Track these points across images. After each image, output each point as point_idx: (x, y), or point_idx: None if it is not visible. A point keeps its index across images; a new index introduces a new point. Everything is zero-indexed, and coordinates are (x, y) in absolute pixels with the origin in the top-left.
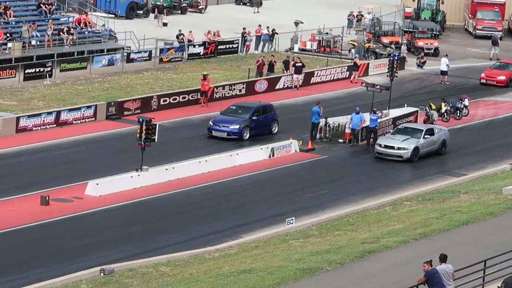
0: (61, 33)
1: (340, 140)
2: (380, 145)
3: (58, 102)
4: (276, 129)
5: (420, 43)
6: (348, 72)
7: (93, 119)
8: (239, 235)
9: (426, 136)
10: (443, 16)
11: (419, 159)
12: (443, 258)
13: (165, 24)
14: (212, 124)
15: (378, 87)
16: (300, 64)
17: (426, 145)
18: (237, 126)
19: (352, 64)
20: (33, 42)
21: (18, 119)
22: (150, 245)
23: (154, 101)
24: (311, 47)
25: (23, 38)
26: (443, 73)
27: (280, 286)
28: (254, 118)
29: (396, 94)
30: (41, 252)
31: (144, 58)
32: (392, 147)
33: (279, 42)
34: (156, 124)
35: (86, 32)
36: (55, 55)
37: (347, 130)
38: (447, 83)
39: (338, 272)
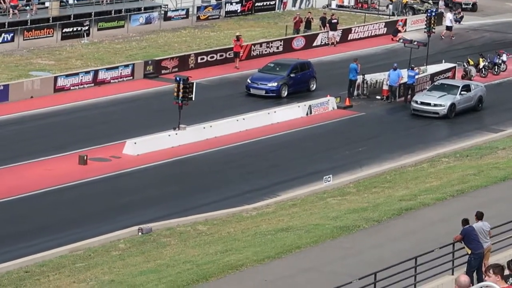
0: None
1: (378, 97)
2: (416, 102)
3: (95, 61)
4: (314, 86)
5: None
6: (385, 28)
7: (131, 78)
8: (277, 193)
9: (462, 92)
10: None
11: (456, 116)
12: (479, 216)
13: None
14: (250, 82)
15: (415, 43)
16: (336, 20)
17: (462, 102)
18: (275, 84)
19: (394, 29)
20: (71, 1)
21: (56, 78)
22: (187, 204)
23: (192, 60)
24: (349, 3)
25: None
26: (448, 28)
27: (317, 244)
28: (292, 75)
29: (434, 50)
30: (79, 212)
31: (182, 16)
32: (429, 104)
33: None
34: (193, 83)
35: None
36: (93, 14)
37: (385, 87)
38: (452, 37)
39: (375, 230)
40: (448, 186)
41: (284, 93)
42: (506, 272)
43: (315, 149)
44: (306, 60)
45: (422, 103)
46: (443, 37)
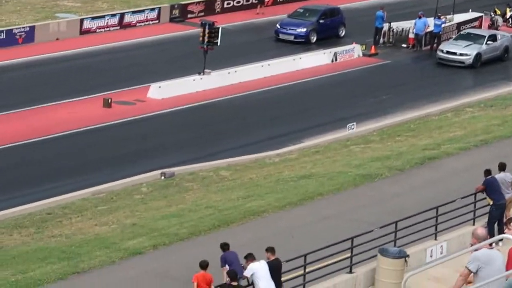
0: None
1: (404, 45)
2: (442, 51)
3: (122, 4)
4: (343, 33)
5: None
6: None
7: (157, 21)
8: (300, 139)
9: (488, 42)
10: None
11: (481, 65)
12: (502, 167)
13: None
14: (279, 27)
15: None
16: None
17: (488, 51)
18: (304, 29)
19: None
20: None
21: (82, 21)
22: (211, 149)
23: (218, 4)
24: None
25: None
26: None
27: (339, 192)
28: (321, 21)
29: None
30: (102, 155)
31: None
32: (454, 53)
33: None
34: (219, 27)
35: None
36: None
37: (411, 35)
38: None
39: (397, 179)
40: (472, 136)
41: (313, 38)
42: None
43: (339, 97)
44: (336, 6)
45: (448, 52)
46: None
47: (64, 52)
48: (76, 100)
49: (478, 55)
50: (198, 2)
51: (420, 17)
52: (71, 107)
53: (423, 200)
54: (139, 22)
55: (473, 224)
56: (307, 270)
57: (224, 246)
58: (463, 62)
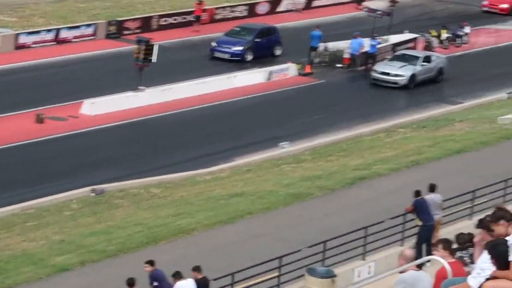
0: None
1: (339, 65)
2: (376, 71)
3: (58, 20)
4: (279, 52)
5: None
6: None
7: (93, 37)
8: (232, 158)
9: (423, 63)
10: None
11: (415, 86)
12: (431, 188)
13: None
14: (215, 45)
15: (379, 12)
16: None
17: (422, 72)
18: (240, 48)
19: None
20: None
21: (17, 35)
22: (142, 166)
23: (155, 21)
24: None
25: None
26: None
27: (269, 210)
28: (257, 40)
29: (397, 20)
30: (33, 171)
31: None
32: (389, 74)
33: None
34: (154, 45)
35: None
36: None
37: (346, 55)
38: (391, 7)
39: (328, 198)
40: (403, 157)
41: (249, 57)
42: (455, 245)
43: (273, 115)
44: (272, 25)
45: (382, 73)
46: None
47: None
48: (8, 115)
49: (413, 76)
50: (135, 19)
51: (355, 37)
52: (3, 122)
53: (353, 220)
54: (75, 38)
55: (402, 245)
56: None
57: (152, 264)
58: (397, 83)
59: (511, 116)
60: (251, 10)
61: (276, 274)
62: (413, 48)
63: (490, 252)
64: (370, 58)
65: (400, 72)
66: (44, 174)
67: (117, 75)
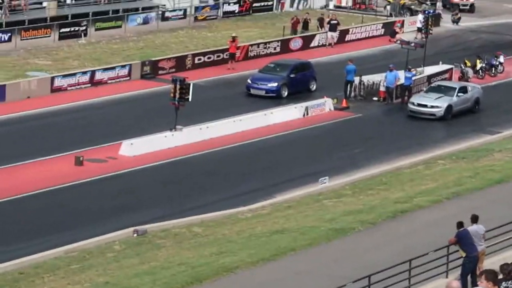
0: None
1: (375, 98)
2: (413, 104)
3: (92, 62)
4: (315, 87)
5: (456, 0)
6: (383, 29)
7: (128, 78)
8: (272, 195)
9: (459, 94)
10: None
11: (452, 117)
12: (474, 219)
13: None
14: (250, 82)
15: (412, 44)
16: (336, 21)
17: (459, 103)
18: (275, 84)
19: (392, 30)
20: (68, 1)
21: (53, 79)
22: (183, 205)
23: (189, 60)
24: (347, 4)
25: None
26: (419, 29)
27: (312, 246)
28: (292, 75)
29: (431, 52)
30: (74, 213)
31: (179, 17)
32: (425, 105)
33: None
34: (190, 83)
35: None
36: (90, 14)
37: (382, 88)
38: (423, 39)
39: (370, 232)
40: (444, 189)
41: (284, 93)
42: (500, 276)
43: (311, 151)
44: (306, 60)
45: (419, 105)
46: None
47: (35, 110)
48: (48, 158)
49: (449, 107)
50: (169, 59)
51: (391, 70)
52: (43, 165)
53: (396, 253)
54: (110, 79)
55: (447, 277)
56: None
57: None
58: (434, 114)
59: None
60: (285, 46)
61: None
62: (449, 79)
63: None
64: (406, 90)
65: (436, 104)
66: (85, 216)
67: (154, 115)
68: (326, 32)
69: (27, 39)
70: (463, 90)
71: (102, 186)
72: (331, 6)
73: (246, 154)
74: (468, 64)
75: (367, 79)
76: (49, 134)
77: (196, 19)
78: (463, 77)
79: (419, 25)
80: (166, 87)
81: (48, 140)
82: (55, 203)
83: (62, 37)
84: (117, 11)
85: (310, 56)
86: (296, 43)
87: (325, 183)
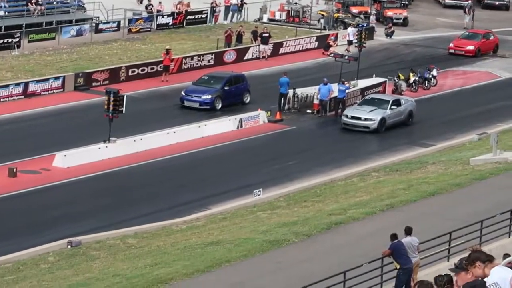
0: (29, 3)
1: (309, 111)
2: (346, 116)
3: (26, 73)
4: (248, 99)
5: (389, 13)
6: (317, 43)
7: (61, 90)
8: (207, 206)
9: (392, 107)
10: None
11: (386, 130)
12: (408, 231)
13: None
14: (184, 94)
15: (346, 57)
16: (267, 34)
17: (392, 116)
18: (209, 96)
19: (326, 43)
20: (1, 13)
21: None
22: (117, 217)
23: (123, 72)
24: (280, 17)
25: None
26: (349, 42)
27: (246, 258)
28: (226, 88)
29: (365, 65)
30: (8, 225)
31: (113, 29)
32: (359, 118)
33: (248, 12)
34: (123, 95)
35: (54, 3)
36: (24, 25)
37: (316, 101)
38: (349, 52)
39: (304, 244)
40: (378, 201)
41: (218, 105)
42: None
43: (245, 163)
44: (240, 73)
45: (352, 117)
46: (347, 50)
47: None
48: None
49: (383, 120)
50: (103, 71)
51: (324, 83)
52: None
53: (331, 265)
54: (43, 91)
55: None
56: None
57: None
58: (368, 127)
59: (483, 157)
60: (219, 59)
61: None
62: (382, 92)
63: None
64: (340, 103)
65: (370, 116)
66: (19, 228)
67: (88, 127)
68: (259, 45)
69: None
70: (397, 103)
71: (36, 198)
72: (265, 19)
73: (181, 166)
74: (402, 77)
75: (301, 91)
76: None
77: (130, 31)
78: (397, 90)
79: (350, 38)
80: (100, 99)
81: None
82: None
83: None
84: (50, 23)
85: (244, 68)
86: (230, 56)
87: (259, 195)
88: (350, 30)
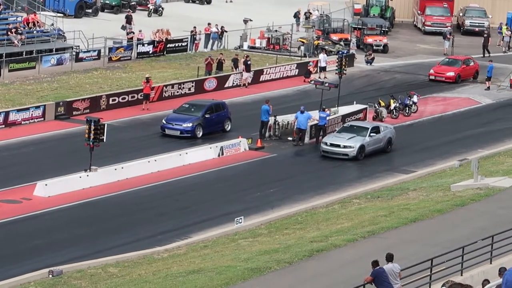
0: (9, 32)
1: (290, 138)
2: (326, 144)
3: (6, 103)
4: (229, 127)
5: (369, 40)
6: (297, 70)
7: (42, 119)
8: (188, 235)
9: (372, 134)
10: (392, 13)
11: (366, 157)
12: (389, 258)
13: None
14: (165, 122)
15: (327, 84)
16: (250, 62)
17: (372, 143)
18: (190, 124)
19: (306, 70)
20: None
21: None
22: (99, 246)
23: (103, 101)
24: (261, 44)
25: None
26: (322, 69)
27: (228, 286)
28: (207, 116)
29: (345, 92)
30: None
31: (93, 57)
32: (338, 145)
33: (228, 40)
34: (104, 124)
35: (34, 32)
36: (4, 55)
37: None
38: (325, 78)
39: (286, 272)
40: (359, 227)
41: (199, 133)
42: None
43: (226, 191)
44: (221, 101)
45: (331, 145)
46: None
47: None
48: None
49: (362, 147)
50: (83, 99)
51: (302, 112)
52: None
53: None
54: (24, 120)
55: None
56: None
57: None
58: (347, 154)
59: (464, 183)
60: (199, 86)
61: None
62: (363, 119)
63: None
64: (321, 130)
65: (349, 144)
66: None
67: (69, 156)
68: (241, 72)
69: None
70: (376, 130)
71: (17, 227)
72: (245, 47)
73: (161, 194)
74: (382, 104)
75: (282, 119)
76: None
77: (110, 59)
78: (377, 117)
79: (321, 64)
80: (80, 127)
81: None
82: None
83: None
84: (31, 52)
85: (225, 96)
86: (210, 84)
87: (240, 222)
88: (322, 56)
